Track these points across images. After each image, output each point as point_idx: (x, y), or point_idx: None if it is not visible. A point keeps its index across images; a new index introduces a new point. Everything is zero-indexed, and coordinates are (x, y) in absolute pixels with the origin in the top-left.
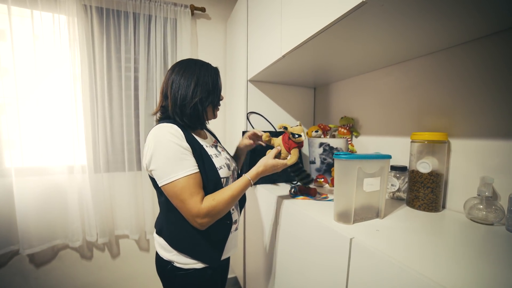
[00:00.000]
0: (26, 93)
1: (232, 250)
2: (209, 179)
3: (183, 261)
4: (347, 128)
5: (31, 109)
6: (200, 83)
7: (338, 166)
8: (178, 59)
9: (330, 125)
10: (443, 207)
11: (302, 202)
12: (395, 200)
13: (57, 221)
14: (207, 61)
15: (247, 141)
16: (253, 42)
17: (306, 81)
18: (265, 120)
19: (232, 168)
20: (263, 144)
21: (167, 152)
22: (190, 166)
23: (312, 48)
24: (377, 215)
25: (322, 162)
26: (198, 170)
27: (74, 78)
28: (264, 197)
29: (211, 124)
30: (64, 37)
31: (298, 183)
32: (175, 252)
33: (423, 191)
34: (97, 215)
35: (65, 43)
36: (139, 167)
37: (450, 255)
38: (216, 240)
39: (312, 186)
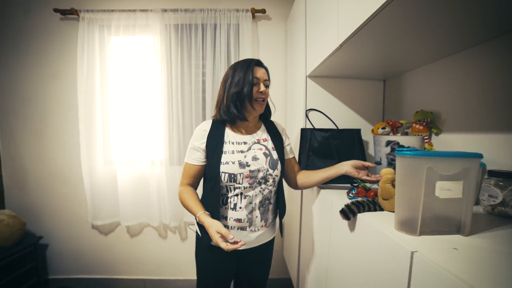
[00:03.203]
0: (124, 104)
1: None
2: (209, 170)
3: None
4: (424, 123)
5: (127, 114)
6: (230, 83)
7: (401, 165)
8: None
9: (401, 121)
10: None
11: None
12: (496, 216)
13: (142, 203)
14: (268, 61)
15: (350, 170)
16: (311, 36)
17: (373, 73)
18: (326, 117)
19: (249, 168)
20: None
21: (189, 144)
22: (192, 158)
23: (376, 31)
24: (459, 230)
25: (389, 163)
26: (195, 163)
27: (156, 87)
28: (321, 199)
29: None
30: (151, 53)
31: (359, 185)
32: None
33: None
34: (170, 201)
35: (151, 58)
36: None
37: None
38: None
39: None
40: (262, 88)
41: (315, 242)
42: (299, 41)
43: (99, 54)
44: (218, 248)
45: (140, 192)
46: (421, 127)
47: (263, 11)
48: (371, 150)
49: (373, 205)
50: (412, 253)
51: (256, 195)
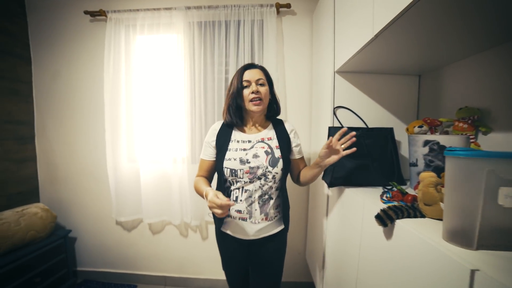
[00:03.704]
0: (148, 102)
1: (244, 230)
2: (216, 165)
3: None
4: (469, 121)
5: (150, 112)
6: (228, 91)
7: (453, 167)
8: (265, 59)
9: (440, 119)
10: None
11: None
12: None
13: (164, 201)
14: (292, 58)
15: (321, 154)
16: (340, 29)
17: (407, 68)
18: (354, 115)
19: (249, 165)
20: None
21: (204, 141)
22: (206, 154)
23: (415, 20)
24: None
25: (427, 165)
26: (207, 158)
27: (179, 85)
28: (350, 201)
29: (296, 122)
30: (174, 52)
31: (394, 188)
32: None
33: None
34: (192, 200)
35: (174, 56)
36: None
37: None
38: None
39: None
40: (254, 88)
41: (342, 246)
42: (327, 35)
43: (124, 53)
44: (229, 236)
45: (162, 190)
46: (465, 126)
47: (288, 5)
48: (403, 151)
49: (413, 211)
50: (473, 271)
51: (256, 190)
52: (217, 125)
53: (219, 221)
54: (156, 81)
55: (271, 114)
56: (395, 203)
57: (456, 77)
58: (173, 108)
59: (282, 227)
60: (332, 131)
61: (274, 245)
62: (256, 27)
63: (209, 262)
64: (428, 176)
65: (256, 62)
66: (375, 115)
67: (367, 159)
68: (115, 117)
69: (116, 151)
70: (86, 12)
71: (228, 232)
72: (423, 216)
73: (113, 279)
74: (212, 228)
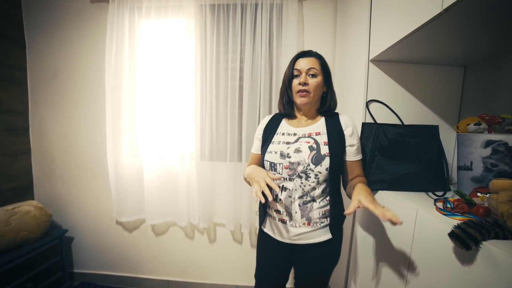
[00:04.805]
0: (153, 92)
1: (282, 232)
2: (261, 158)
3: None
4: None
5: (155, 104)
6: (284, 77)
7: None
8: (283, 47)
9: (503, 115)
10: None
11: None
12: None
13: (170, 201)
14: (313, 45)
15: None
16: (381, 11)
17: (453, 56)
18: (390, 111)
19: (289, 160)
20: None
21: None
22: (254, 147)
23: None
24: None
25: (487, 169)
26: (255, 151)
27: (188, 75)
28: (397, 206)
29: None
30: (183, 38)
31: (453, 196)
32: None
33: None
34: (200, 200)
35: (183, 43)
36: (240, 158)
37: None
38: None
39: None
40: (303, 78)
41: (381, 265)
42: (360, 19)
43: (128, 39)
44: (269, 237)
45: (168, 189)
46: None
47: None
48: (448, 151)
49: (500, 230)
50: None
51: (296, 189)
52: (267, 118)
53: (261, 219)
54: (163, 70)
55: (324, 109)
56: (461, 216)
57: None
58: (181, 99)
59: (329, 236)
60: (367, 127)
61: (319, 254)
62: (275, 12)
63: (216, 266)
64: (508, 185)
65: (275, 51)
66: (411, 111)
67: (413, 160)
68: (117, 108)
69: (118, 145)
70: None
71: (269, 232)
72: None
73: (112, 282)
74: (220, 231)
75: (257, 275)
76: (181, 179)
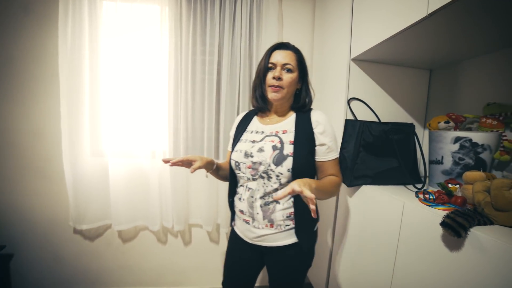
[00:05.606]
0: (120, 83)
1: (246, 233)
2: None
3: None
4: (501, 118)
5: (123, 96)
6: (257, 69)
7: None
8: (263, 41)
9: (465, 115)
10: None
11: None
12: None
13: (140, 203)
14: (293, 40)
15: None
16: (363, 10)
17: (421, 60)
18: (367, 108)
19: (252, 159)
20: None
21: None
22: (229, 145)
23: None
24: None
25: (456, 163)
26: (230, 149)
27: (161, 67)
28: (380, 201)
29: None
30: (155, 27)
31: (434, 187)
32: None
33: None
34: (174, 201)
35: (156, 32)
36: (217, 155)
37: None
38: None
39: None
40: (277, 73)
41: (365, 257)
42: (342, 18)
43: (88, 20)
44: (237, 236)
45: (137, 190)
46: (494, 122)
47: None
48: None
49: (481, 217)
50: None
51: (258, 190)
52: (241, 115)
53: (231, 217)
54: (132, 59)
55: (298, 106)
56: (444, 206)
57: (477, 73)
58: (153, 92)
59: (294, 240)
60: (350, 124)
61: (288, 258)
62: (255, 5)
63: (192, 271)
64: (479, 176)
65: (255, 45)
66: (386, 109)
67: (395, 156)
68: (75, 100)
69: (76, 142)
70: None
71: (237, 231)
72: (491, 223)
73: None
74: (195, 232)
75: (225, 271)
76: (152, 178)
